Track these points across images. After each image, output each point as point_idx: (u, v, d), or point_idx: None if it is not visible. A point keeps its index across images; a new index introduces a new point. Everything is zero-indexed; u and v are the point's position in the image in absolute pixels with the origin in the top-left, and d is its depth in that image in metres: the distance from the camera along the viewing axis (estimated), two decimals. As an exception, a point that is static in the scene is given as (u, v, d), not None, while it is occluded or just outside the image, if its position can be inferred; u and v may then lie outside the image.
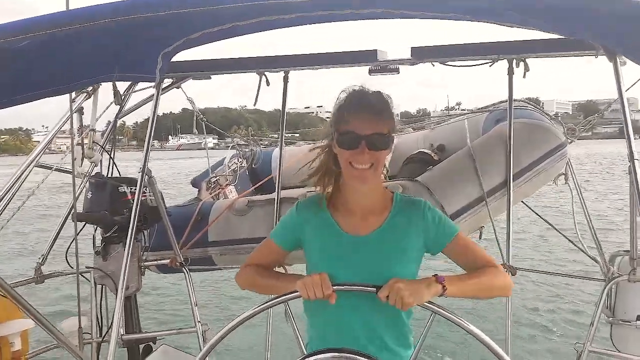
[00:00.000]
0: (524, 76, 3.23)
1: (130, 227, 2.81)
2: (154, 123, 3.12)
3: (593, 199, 16.28)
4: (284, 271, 2.54)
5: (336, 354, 1.51)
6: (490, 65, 3.17)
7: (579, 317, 6.18)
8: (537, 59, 3.11)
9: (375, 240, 1.73)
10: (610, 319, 2.91)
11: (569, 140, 3.78)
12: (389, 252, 1.71)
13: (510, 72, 3.27)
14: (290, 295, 1.60)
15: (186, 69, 3.36)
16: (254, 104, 3.76)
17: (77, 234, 2.83)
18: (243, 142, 5.56)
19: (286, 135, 4.35)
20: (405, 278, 1.59)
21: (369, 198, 1.77)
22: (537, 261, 9.13)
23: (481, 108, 4.40)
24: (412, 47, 3.08)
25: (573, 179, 3.56)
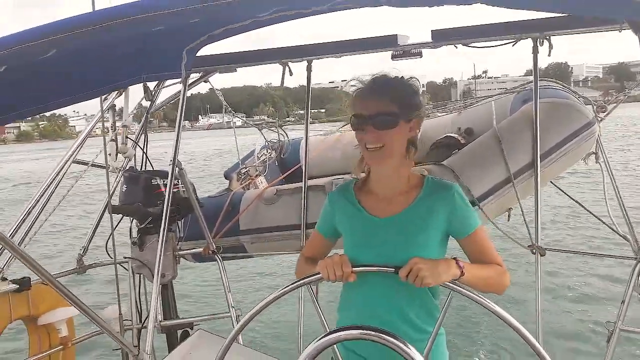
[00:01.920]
0: (549, 54, 3.19)
1: (163, 218, 2.94)
2: (182, 118, 3.24)
3: (626, 174, 15.70)
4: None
5: (359, 331, 1.55)
6: (513, 45, 3.14)
7: (611, 296, 6.04)
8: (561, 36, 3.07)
9: (400, 222, 1.77)
10: None
11: (599, 118, 3.71)
12: (413, 234, 1.75)
13: (535, 51, 3.22)
14: (312, 277, 1.65)
15: (211, 63, 3.45)
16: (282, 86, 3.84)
17: (115, 227, 2.97)
18: (271, 121, 5.65)
19: (312, 111, 4.41)
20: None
21: (393, 181, 1.82)
22: (566, 242, 8.96)
23: (508, 90, 4.34)
24: (432, 30, 3.07)
25: (603, 157, 3.49)
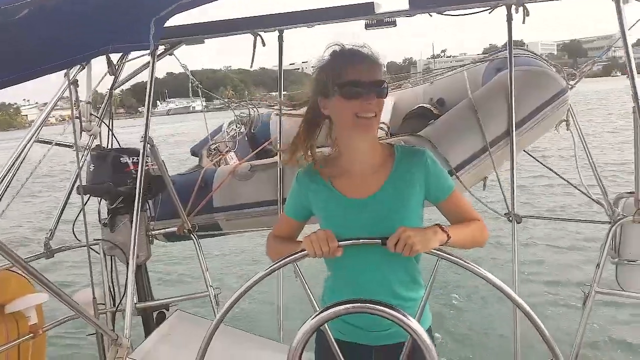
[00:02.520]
0: (524, 22, 3.18)
1: (137, 197, 2.82)
2: (152, 91, 3.09)
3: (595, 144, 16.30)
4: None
5: (352, 305, 1.52)
6: (489, 12, 3.11)
7: (585, 261, 6.28)
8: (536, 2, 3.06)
9: (378, 200, 1.72)
10: (616, 260, 2.95)
11: (570, 86, 3.75)
12: (394, 209, 1.71)
13: (509, 19, 3.21)
14: (298, 255, 1.60)
15: (178, 34, 3.29)
16: (251, 66, 3.71)
17: (82, 208, 2.83)
18: (235, 103, 5.51)
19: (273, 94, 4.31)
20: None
21: (369, 156, 1.76)
22: (542, 210, 9.27)
23: (481, 58, 4.34)
24: None
25: (575, 124, 3.54)
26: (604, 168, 11.04)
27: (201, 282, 3.33)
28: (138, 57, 3.62)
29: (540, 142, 4.18)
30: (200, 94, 4.49)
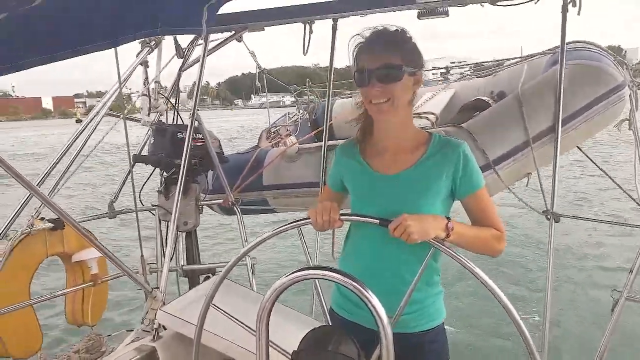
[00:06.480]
0: (579, 13, 3.05)
1: (181, 168, 3.12)
2: (202, 75, 3.38)
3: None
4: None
5: (322, 272, 1.60)
6: (535, 3, 3.02)
7: (622, 266, 5.82)
8: None
9: (404, 179, 1.77)
10: None
11: (638, 83, 3.52)
12: (417, 191, 1.74)
13: (564, 10, 3.08)
14: (302, 222, 1.69)
15: (233, 21, 3.52)
16: (304, 54, 3.87)
17: (129, 173, 3.11)
18: (311, 94, 5.75)
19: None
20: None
21: (398, 137, 1.81)
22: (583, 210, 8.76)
23: (540, 52, 4.17)
24: None
25: (634, 125, 3.33)
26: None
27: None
28: (213, 41, 3.94)
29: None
30: (265, 84, 4.78)
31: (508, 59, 4.41)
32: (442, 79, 5.46)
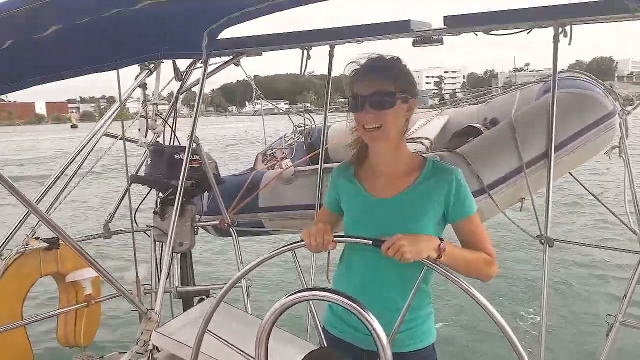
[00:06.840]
0: (569, 43, 3.13)
1: (178, 189, 3.13)
2: (201, 98, 3.42)
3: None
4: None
5: (318, 292, 1.62)
6: (527, 33, 3.10)
7: (616, 290, 5.87)
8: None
9: (398, 203, 1.80)
10: None
11: (627, 112, 3.61)
12: (410, 215, 1.77)
13: (556, 40, 3.17)
14: (295, 244, 1.71)
15: (233, 46, 3.58)
16: (302, 73, 3.93)
17: (125, 193, 3.13)
18: (311, 108, 5.83)
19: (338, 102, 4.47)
20: None
21: (393, 161, 1.85)
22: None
23: (532, 80, 4.27)
24: (445, 17, 3.07)
25: (624, 151, 3.40)
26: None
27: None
28: (210, 64, 4.01)
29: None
30: (254, 97, 4.90)
31: (501, 87, 4.51)
32: (435, 105, 5.58)
